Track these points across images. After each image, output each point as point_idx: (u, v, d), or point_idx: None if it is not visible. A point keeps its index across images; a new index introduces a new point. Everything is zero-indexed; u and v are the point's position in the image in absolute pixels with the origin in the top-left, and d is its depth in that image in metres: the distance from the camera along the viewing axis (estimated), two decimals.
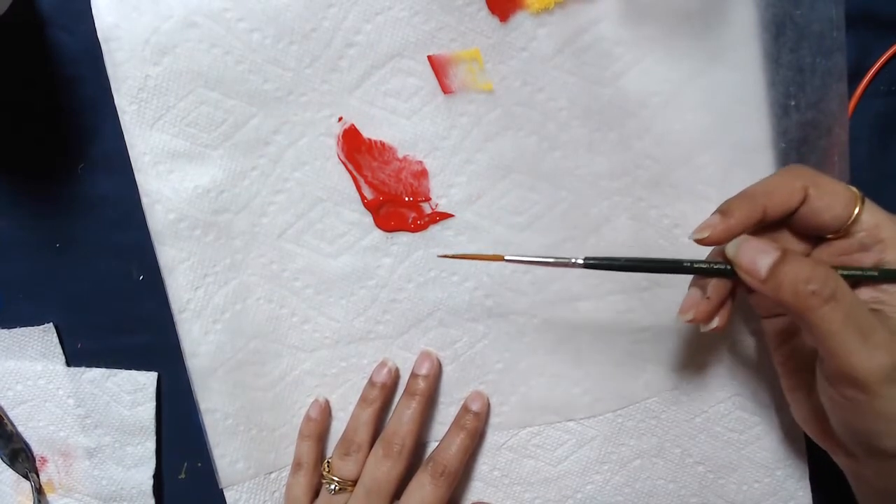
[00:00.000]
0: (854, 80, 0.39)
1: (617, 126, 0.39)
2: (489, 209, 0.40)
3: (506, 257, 0.34)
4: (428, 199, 0.41)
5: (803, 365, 0.35)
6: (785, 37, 0.37)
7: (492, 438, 0.43)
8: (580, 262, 0.33)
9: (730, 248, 0.32)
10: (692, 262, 0.33)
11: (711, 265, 0.33)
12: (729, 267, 0.32)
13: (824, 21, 0.37)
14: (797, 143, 0.38)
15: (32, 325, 0.44)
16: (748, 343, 0.41)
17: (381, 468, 0.39)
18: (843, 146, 0.38)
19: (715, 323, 0.33)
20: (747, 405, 0.41)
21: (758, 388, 0.41)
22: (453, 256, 0.37)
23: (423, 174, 0.40)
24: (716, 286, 0.33)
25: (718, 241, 0.32)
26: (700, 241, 0.32)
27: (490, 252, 0.36)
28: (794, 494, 0.41)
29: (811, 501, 0.41)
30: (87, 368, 0.44)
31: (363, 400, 0.42)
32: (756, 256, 0.30)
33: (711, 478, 0.42)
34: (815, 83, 0.38)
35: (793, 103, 0.38)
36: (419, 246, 0.41)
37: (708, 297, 0.33)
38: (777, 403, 0.41)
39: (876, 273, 0.32)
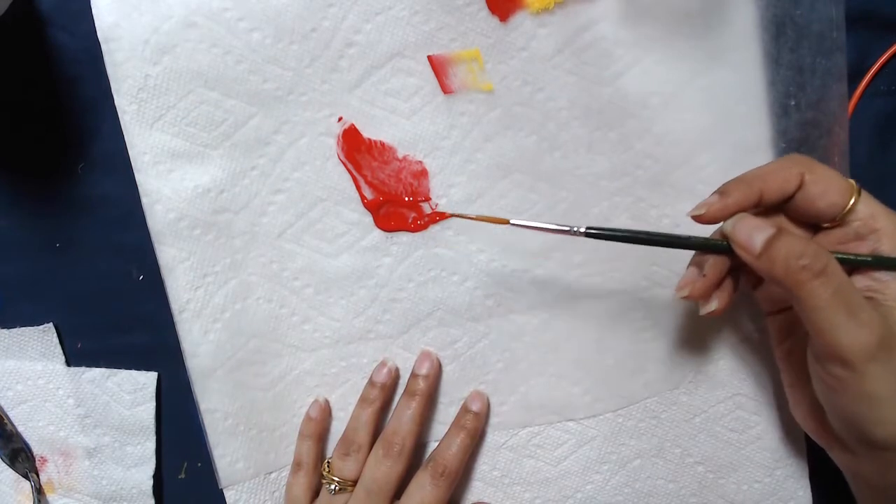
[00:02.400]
0: (854, 80, 0.39)
1: (617, 126, 0.39)
2: (489, 209, 0.40)
3: (511, 221, 0.35)
4: (428, 199, 0.41)
5: (803, 360, 0.35)
6: (785, 37, 0.37)
7: (492, 438, 0.43)
8: (582, 230, 0.34)
9: (727, 225, 0.33)
10: (691, 237, 0.34)
11: (709, 240, 0.34)
12: (726, 243, 0.33)
13: (824, 21, 0.37)
14: (797, 143, 0.38)
15: (32, 325, 0.44)
16: (748, 343, 0.41)
17: (381, 468, 0.39)
18: (843, 146, 0.38)
19: (713, 305, 0.34)
20: (747, 405, 0.41)
21: (758, 387, 0.41)
22: (461, 216, 0.37)
23: (423, 174, 0.40)
24: (713, 264, 0.34)
25: (714, 220, 0.33)
26: (696, 218, 0.33)
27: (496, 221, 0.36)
28: (794, 494, 0.41)
29: (811, 501, 0.41)
30: (87, 368, 0.44)
31: (363, 400, 0.42)
32: (751, 232, 0.31)
33: (711, 478, 0.42)
34: (815, 83, 0.38)
35: (793, 103, 0.38)
36: (419, 246, 0.41)
37: (704, 275, 0.34)
38: (777, 403, 0.41)
39: (870, 259, 0.32)
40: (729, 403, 0.41)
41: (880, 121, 0.40)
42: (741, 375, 0.41)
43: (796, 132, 0.38)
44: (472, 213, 0.40)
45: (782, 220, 0.34)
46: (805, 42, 0.37)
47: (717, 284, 0.34)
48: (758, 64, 0.38)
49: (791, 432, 0.41)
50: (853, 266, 0.32)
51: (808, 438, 0.40)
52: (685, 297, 0.34)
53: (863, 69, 0.39)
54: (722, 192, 0.33)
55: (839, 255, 0.32)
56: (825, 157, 0.38)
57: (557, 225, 0.34)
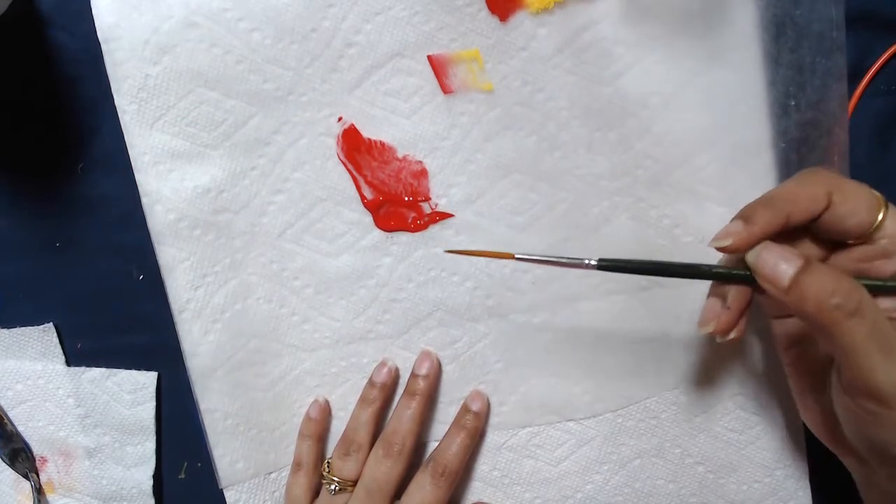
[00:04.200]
0: (854, 79, 0.39)
1: (617, 126, 0.39)
2: (489, 209, 0.40)
3: (516, 255, 0.33)
4: (428, 199, 0.41)
5: (814, 368, 0.34)
6: (785, 37, 0.37)
7: (492, 438, 0.43)
8: (593, 263, 0.32)
9: (750, 255, 0.31)
10: (710, 267, 0.32)
11: (731, 271, 0.32)
12: (749, 274, 0.31)
13: (824, 21, 0.37)
14: (797, 143, 0.38)
15: (32, 325, 0.44)
16: (749, 343, 0.41)
17: (382, 468, 0.39)
18: (843, 146, 0.38)
19: (733, 334, 0.33)
20: (747, 405, 0.41)
21: (758, 387, 0.41)
22: (462, 252, 0.36)
23: (422, 174, 0.40)
24: (736, 295, 0.32)
25: (741, 249, 0.31)
26: (722, 249, 0.31)
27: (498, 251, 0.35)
28: (794, 494, 0.41)
29: (811, 501, 0.41)
30: (87, 368, 0.44)
31: (363, 400, 0.42)
32: (778, 264, 0.30)
33: (711, 478, 0.42)
34: (815, 83, 0.38)
35: (793, 103, 0.38)
36: (419, 246, 0.41)
37: (728, 307, 0.32)
38: (777, 403, 0.41)
39: None
40: (729, 403, 0.41)
41: (880, 121, 0.40)
42: (741, 375, 0.41)
43: (796, 132, 0.38)
44: (471, 213, 0.40)
45: (806, 243, 0.33)
46: (805, 42, 0.37)
47: (742, 315, 0.32)
48: (758, 64, 0.38)
49: (791, 432, 0.41)
50: (879, 291, 0.31)
51: (808, 438, 0.40)
52: (711, 333, 0.32)
53: (863, 69, 0.39)
54: (746, 217, 0.31)
55: (867, 282, 0.30)
56: (825, 157, 0.38)
57: (568, 258, 0.32)
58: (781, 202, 0.31)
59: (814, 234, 0.33)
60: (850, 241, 0.32)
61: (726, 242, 0.31)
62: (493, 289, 0.41)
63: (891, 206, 0.31)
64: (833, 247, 0.33)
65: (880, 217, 0.31)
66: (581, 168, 0.40)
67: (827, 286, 0.28)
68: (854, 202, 0.31)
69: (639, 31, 0.38)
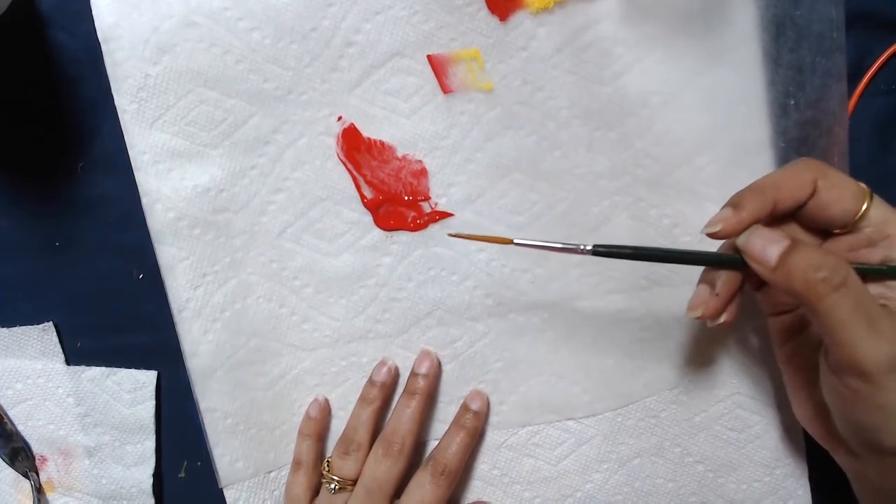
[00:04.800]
0: (854, 79, 0.39)
1: (617, 125, 0.39)
2: (489, 208, 0.40)
3: (515, 241, 0.34)
4: (427, 199, 0.41)
5: (807, 362, 0.35)
6: (785, 37, 0.37)
7: (491, 437, 0.43)
8: (588, 248, 0.33)
9: (740, 239, 0.32)
10: (701, 252, 0.33)
11: (721, 255, 0.33)
12: (738, 257, 0.32)
13: (824, 21, 0.37)
14: (797, 143, 0.38)
15: (32, 325, 0.44)
16: (748, 342, 0.41)
17: (381, 467, 0.39)
18: (842, 146, 0.38)
19: (723, 318, 0.33)
20: (747, 404, 0.41)
21: (758, 387, 0.41)
22: (463, 236, 0.36)
23: (422, 173, 0.40)
24: (725, 281, 0.33)
25: (730, 235, 0.32)
26: (712, 235, 0.32)
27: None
28: (793, 493, 0.41)
29: (810, 500, 0.41)
30: (87, 367, 0.44)
31: (363, 399, 0.42)
32: (766, 245, 0.31)
33: (711, 477, 0.42)
34: (814, 83, 0.38)
35: (792, 103, 0.38)
36: (419, 245, 0.41)
37: (717, 294, 0.33)
38: (777, 402, 0.41)
39: (884, 268, 0.32)
40: (728, 402, 0.41)
41: (880, 121, 0.40)
42: (741, 374, 0.41)
43: (796, 132, 0.38)
44: (471, 213, 0.40)
45: (793, 228, 0.34)
46: (805, 42, 0.37)
47: (730, 301, 0.33)
48: (758, 64, 0.38)
49: (790, 431, 0.41)
50: (865, 274, 0.31)
51: (807, 437, 0.40)
52: (699, 318, 0.33)
53: (862, 69, 0.39)
54: (735, 204, 0.32)
55: (854, 266, 0.31)
56: (825, 156, 0.38)
57: (563, 243, 0.33)
58: (769, 188, 0.32)
59: (803, 222, 0.34)
60: (837, 231, 0.33)
61: (717, 228, 0.32)
62: (493, 288, 0.41)
63: (875, 196, 0.32)
64: (821, 237, 0.34)
65: (864, 206, 0.32)
66: (581, 167, 0.40)
67: (813, 261, 0.29)
68: (839, 190, 0.32)
69: (639, 31, 0.38)
